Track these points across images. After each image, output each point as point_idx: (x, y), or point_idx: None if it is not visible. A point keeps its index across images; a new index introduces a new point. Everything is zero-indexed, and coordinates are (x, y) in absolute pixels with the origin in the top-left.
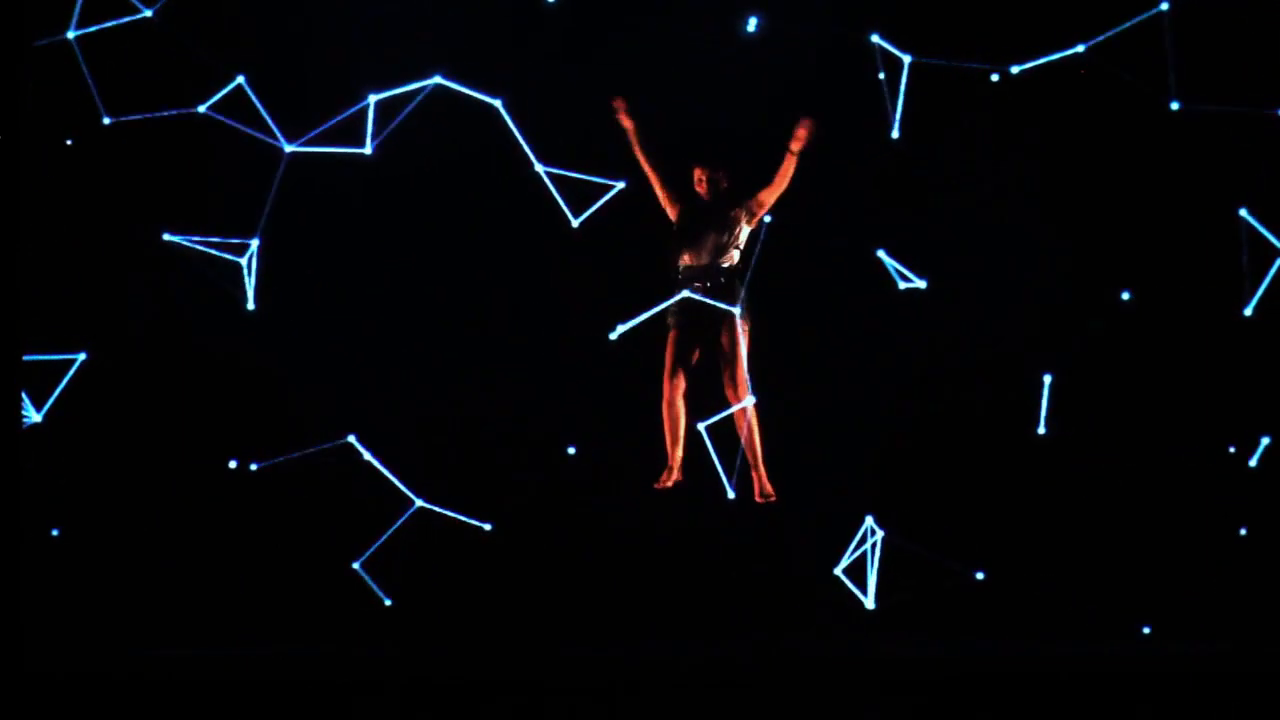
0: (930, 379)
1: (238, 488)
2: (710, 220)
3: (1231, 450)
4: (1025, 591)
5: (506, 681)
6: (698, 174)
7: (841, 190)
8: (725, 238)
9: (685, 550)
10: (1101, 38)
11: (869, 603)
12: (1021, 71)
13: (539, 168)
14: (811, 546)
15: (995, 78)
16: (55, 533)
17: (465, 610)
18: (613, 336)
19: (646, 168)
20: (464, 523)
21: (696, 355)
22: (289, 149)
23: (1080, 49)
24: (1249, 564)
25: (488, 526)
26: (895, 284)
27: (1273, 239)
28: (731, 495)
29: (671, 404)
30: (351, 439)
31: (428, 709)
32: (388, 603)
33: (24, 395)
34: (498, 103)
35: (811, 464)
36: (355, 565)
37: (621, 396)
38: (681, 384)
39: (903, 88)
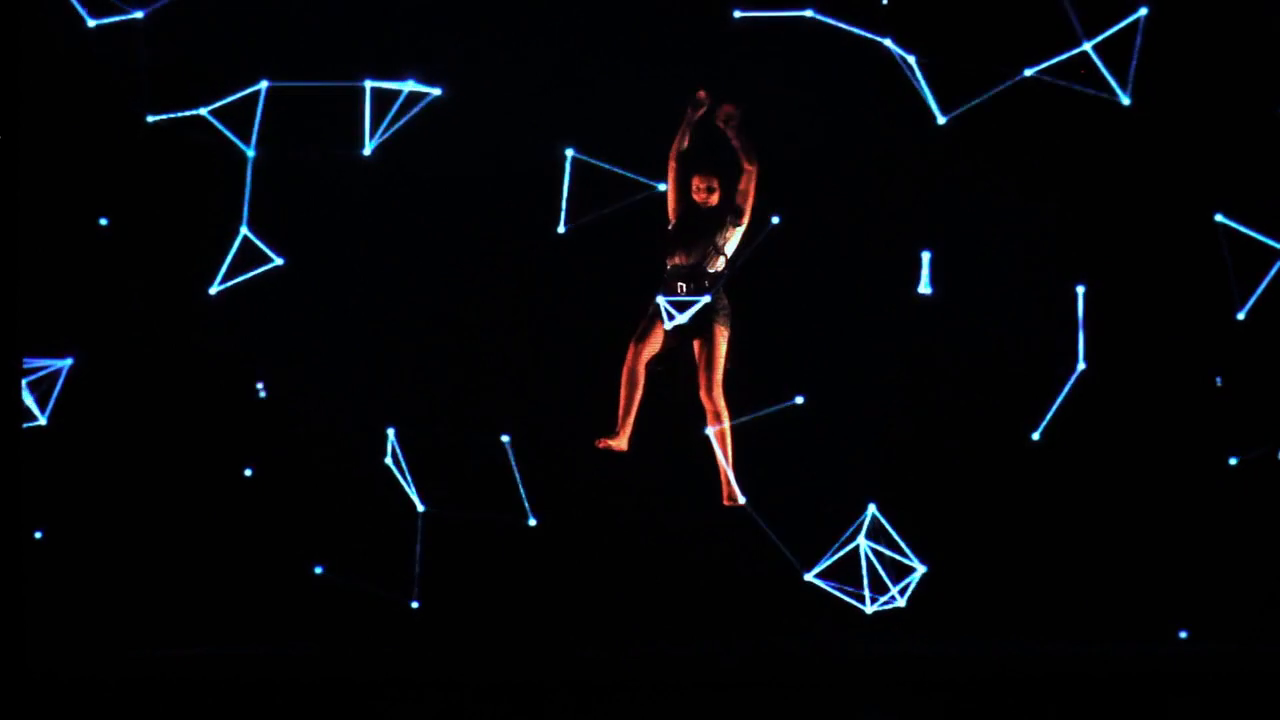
0: (931, 381)
1: (238, 490)
2: (704, 225)
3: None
4: (1021, 593)
5: (510, 682)
6: (696, 182)
7: (843, 191)
8: (715, 242)
9: (685, 551)
10: (1099, 38)
11: (867, 607)
12: (1033, 75)
13: (569, 152)
14: (810, 547)
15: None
16: (38, 535)
17: (466, 611)
18: (668, 326)
19: (674, 163)
20: (499, 521)
21: (669, 340)
22: (252, 154)
23: (1087, 45)
24: (1247, 565)
25: (532, 521)
26: (897, 286)
27: (1272, 243)
28: (743, 500)
29: (633, 371)
30: (390, 432)
31: (426, 708)
32: (414, 605)
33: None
34: (436, 90)
35: (811, 466)
36: (318, 570)
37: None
38: (645, 353)
39: (923, 82)
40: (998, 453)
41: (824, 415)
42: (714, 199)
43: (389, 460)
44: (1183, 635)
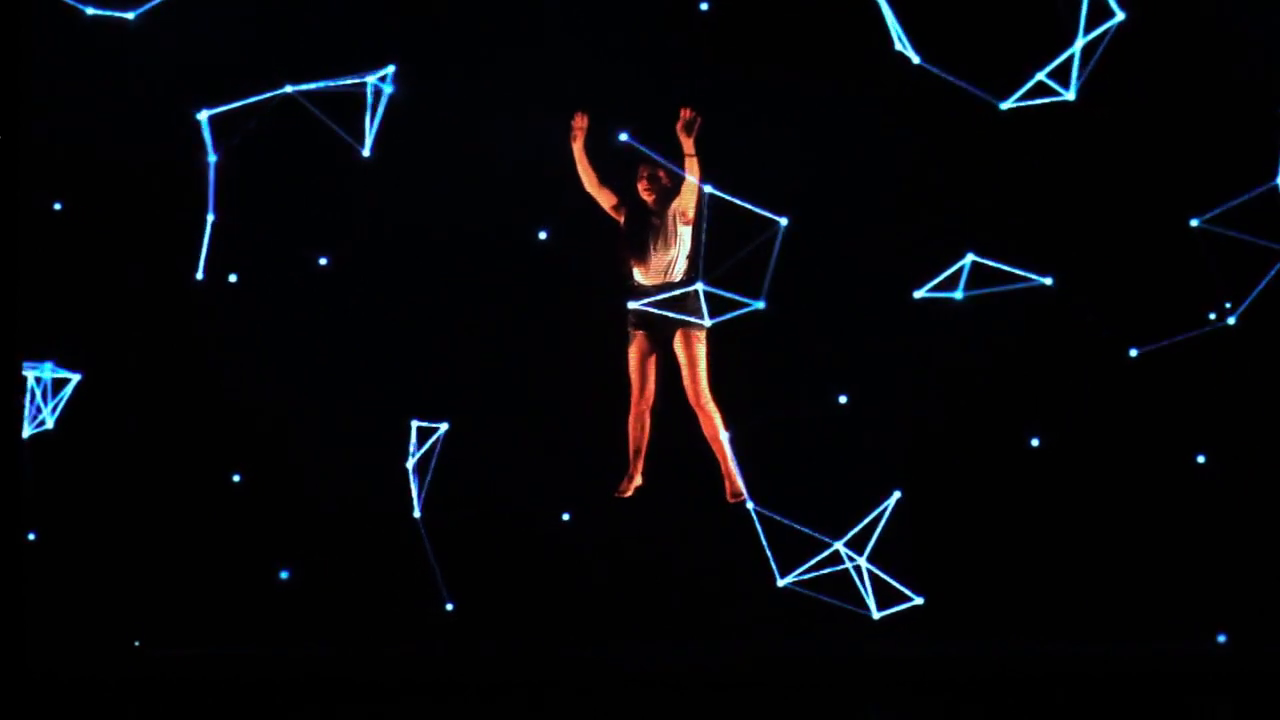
0: (933, 384)
1: (236, 494)
2: (653, 226)
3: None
4: (1023, 594)
5: (509, 682)
6: (642, 171)
7: (847, 193)
8: (669, 245)
9: (684, 552)
10: (1089, 37)
11: (874, 612)
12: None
13: (624, 136)
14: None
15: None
16: (32, 536)
17: (471, 613)
18: (708, 324)
19: (594, 185)
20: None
21: (656, 367)
22: (214, 158)
23: (1078, 44)
24: (1246, 565)
25: (566, 516)
26: (900, 288)
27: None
28: (751, 505)
29: (639, 418)
30: (414, 422)
31: (423, 708)
32: (449, 607)
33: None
34: (374, 78)
35: (816, 467)
36: (283, 575)
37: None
38: (648, 400)
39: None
40: (1003, 454)
41: (826, 418)
42: (663, 188)
43: (410, 464)
44: (1221, 639)
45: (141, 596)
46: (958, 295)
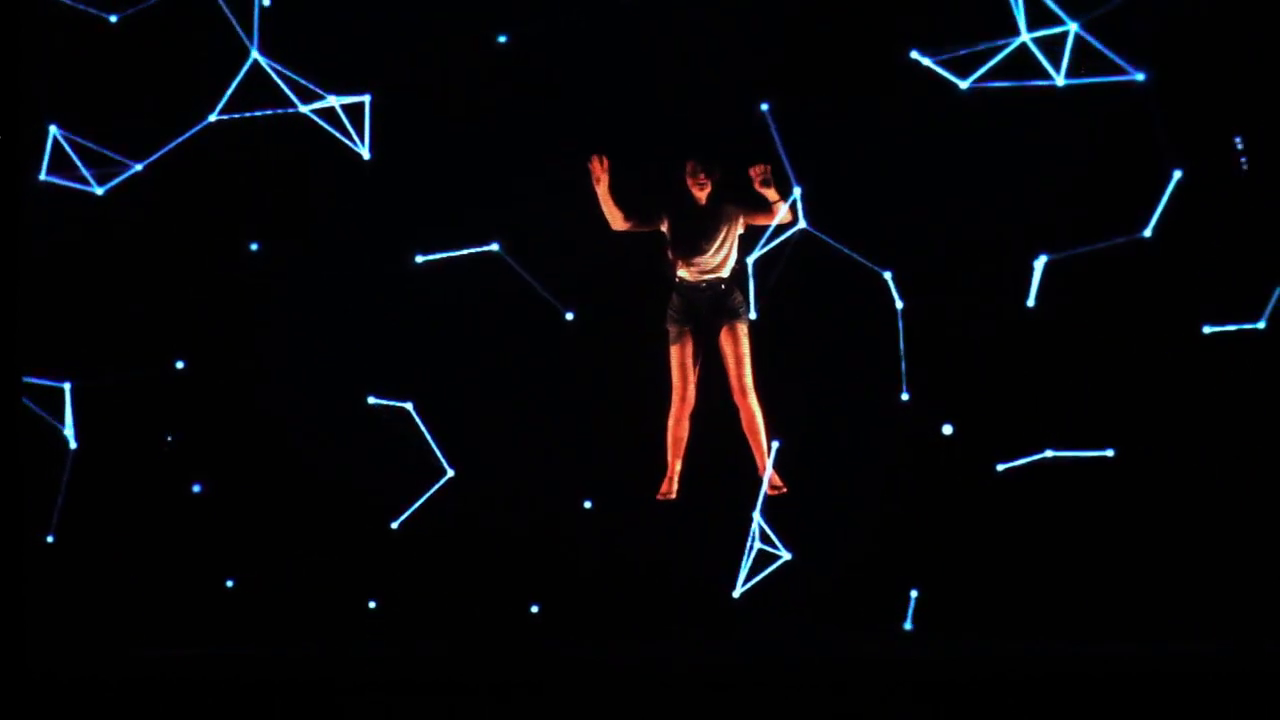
0: (930, 388)
1: (235, 496)
2: (702, 225)
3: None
4: (1024, 595)
5: (509, 682)
6: (690, 167)
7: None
8: (719, 244)
9: (685, 552)
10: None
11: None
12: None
13: (764, 107)
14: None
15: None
16: (50, 539)
17: (470, 614)
18: (753, 317)
19: (621, 222)
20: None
21: (698, 366)
22: (139, 166)
23: (1026, 38)
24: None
25: (589, 504)
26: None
27: None
28: (757, 509)
29: (679, 422)
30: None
31: (422, 707)
32: (534, 609)
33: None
34: (365, 99)
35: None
36: (229, 582)
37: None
38: (690, 405)
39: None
40: (1006, 455)
41: (828, 421)
42: (710, 187)
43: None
44: None
45: (141, 597)
46: (1030, 303)
